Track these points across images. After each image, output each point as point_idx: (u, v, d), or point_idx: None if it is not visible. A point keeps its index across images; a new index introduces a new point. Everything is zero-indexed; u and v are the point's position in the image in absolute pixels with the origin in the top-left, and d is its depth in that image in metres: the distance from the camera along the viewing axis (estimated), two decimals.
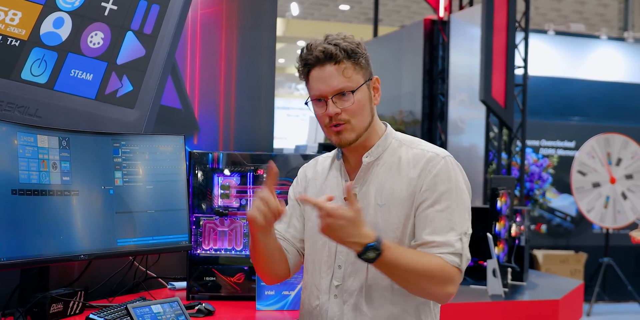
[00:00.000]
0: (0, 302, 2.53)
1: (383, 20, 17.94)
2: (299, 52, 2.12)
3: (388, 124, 2.19)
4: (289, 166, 3.04)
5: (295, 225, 2.24)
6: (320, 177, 2.22)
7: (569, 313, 4.40)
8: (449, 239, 1.98)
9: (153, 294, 2.96)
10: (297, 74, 2.15)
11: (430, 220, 2.01)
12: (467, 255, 2.00)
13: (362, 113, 2.06)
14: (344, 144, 2.06)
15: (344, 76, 2.02)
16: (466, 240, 2.01)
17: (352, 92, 2.03)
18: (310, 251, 2.17)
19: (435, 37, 8.66)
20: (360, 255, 1.87)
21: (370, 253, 1.86)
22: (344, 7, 18.03)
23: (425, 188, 2.02)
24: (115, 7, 3.13)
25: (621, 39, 10.73)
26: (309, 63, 2.05)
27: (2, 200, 2.29)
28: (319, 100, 2.05)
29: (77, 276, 2.80)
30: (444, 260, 1.96)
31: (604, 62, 10.34)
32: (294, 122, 18.93)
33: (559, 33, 10.10)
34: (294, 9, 16.85)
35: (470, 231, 2.04)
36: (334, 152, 2.23)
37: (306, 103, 2.11)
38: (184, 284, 3.13)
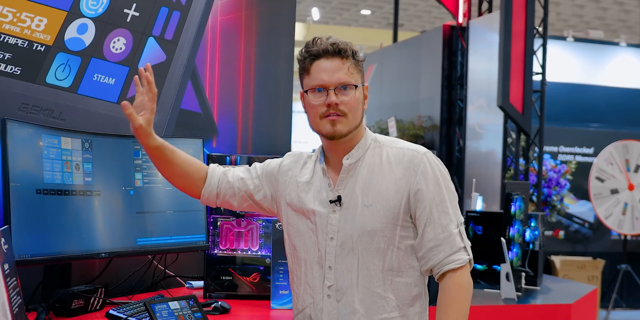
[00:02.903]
0: (24, 298, 2.61)
1: (404, 25, 17.98)
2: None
3: (366, 127, 2.26)
4: None
5: (247, 184, 2.31)
6: (302, 180, 2.24)
7: (581, 318, 4.42)
8: (451, 233, 2.12)
9: (171, 293, 3.04)
10: None
11: (429, 217, 2.12)
12: (467, 242, 2.15)
13: (357, 111, 2.15)
14: (337, 135, 2.12)
15: (349, 71, 2.12)
16: (462, 229, 2.16)
17: (355, 87, 2.12)
18: (301, 250, 2.20)
19: (454, 43, 8.70)
20: None
21: None
22: (365, 11, 18.07)
23: (416, 188, 2.12)
24: (137, 14, 3.22)
25: None
26: (313, 54, 2.12)
27: (27, 199, 2.38)
28: (318, 90, 2.12)
29: (98, 274, 2.88)
30: (452, 278, 2.11)
31: (623, 69, 10.33)
32: None
33: (577, 40, 10.11)
34: (315, 13, 16.93)
35: (461, 219, 2.17)
36: (316, 153, 2.27)
37: (306, 91, 2.15)
38: (201, 283, 3.21)
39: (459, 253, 2.11)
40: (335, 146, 2.18)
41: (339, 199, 2.14)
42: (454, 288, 2.10)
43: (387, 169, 2.14)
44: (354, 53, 2.15)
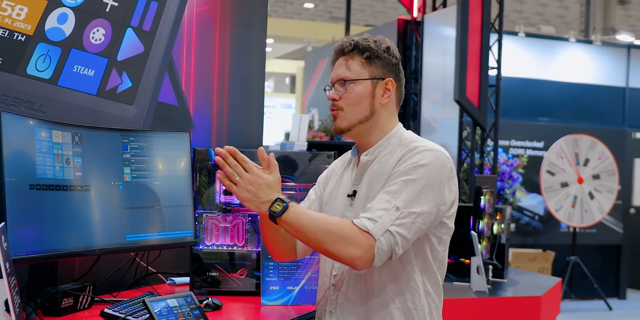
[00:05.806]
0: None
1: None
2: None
3: (399, 125, 2.26)
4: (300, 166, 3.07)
5: (314, 206, 2.38)
6: (339, 171, 2.33)
7: (549, 309, 4.51)
8: (374, 206, 2.02)
9: (156, 289, 2.97)
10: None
11: (379, 194, 2.07)
12: (385, 224, 1.98)
13: (358, 105, 2.17)
14: (336, 130, 2.20)
15: (346, 67, 2.18)
16: (397, 215, 1.99)
17: (350, 81, 2.16)
18: None
19: (409, 37, 8.75)
20: (271, 209, 1.96)
21: (277, 206, 1.96)
22: (309, 5, 18.05)
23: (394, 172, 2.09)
24: (116, 4, 3.13)
25: (589, 41, 10.92)
26: (333, 53, 2.24)
27: (22, 195, 2.29)
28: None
29: (85, 271, 2.80)
30: (350, 222, 2.01)
31: (572, 64, 10.53)
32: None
33: (529, 35, 10.26)
34: None
35: (412, 210, 2.00)
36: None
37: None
38: (183, 279, 3.15)
39: (366, 220, 1.99)
40: (356, 141, 2.24)
41: (354, 193, 2.18)
42: (344, 221, 2.03)
43: (391, 169, 2.12)
44: (363, 49, 2.18)
